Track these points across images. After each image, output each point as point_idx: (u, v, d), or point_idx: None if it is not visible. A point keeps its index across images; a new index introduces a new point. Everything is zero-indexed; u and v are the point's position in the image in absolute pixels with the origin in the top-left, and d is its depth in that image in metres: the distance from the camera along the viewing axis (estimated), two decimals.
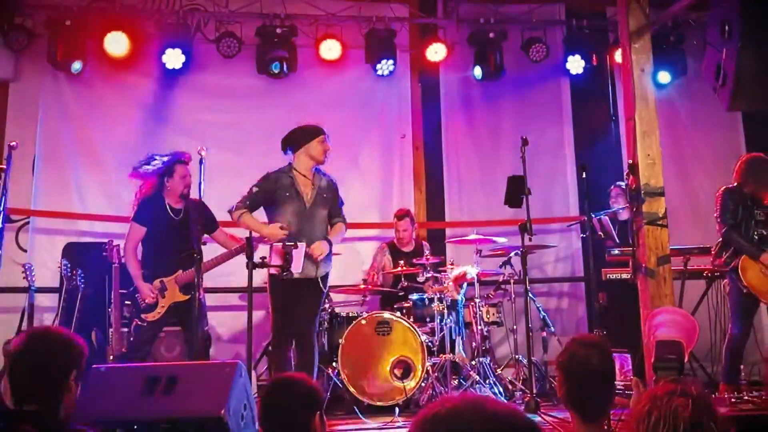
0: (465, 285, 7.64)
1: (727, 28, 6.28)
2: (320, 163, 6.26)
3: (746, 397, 6.23)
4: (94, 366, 4.74)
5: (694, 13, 9.03)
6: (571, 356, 3.08)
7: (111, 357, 6.48)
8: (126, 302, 6.81)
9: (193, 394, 4.44)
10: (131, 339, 6.45)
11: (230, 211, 6.21)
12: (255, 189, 6.18)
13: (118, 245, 6.71)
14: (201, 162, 6.21)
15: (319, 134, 6.25)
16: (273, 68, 8.86)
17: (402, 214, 8.33)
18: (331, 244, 6.21)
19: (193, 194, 6.47)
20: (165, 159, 6.59)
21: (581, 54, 9.45)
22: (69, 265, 6.91)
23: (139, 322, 6.37)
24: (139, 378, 4.57)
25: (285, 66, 8.89)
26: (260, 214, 6.33)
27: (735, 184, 6.77)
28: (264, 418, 3.04)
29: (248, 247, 5.86)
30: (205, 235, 6.55)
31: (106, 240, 6.88)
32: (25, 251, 8.36)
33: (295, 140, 6.28)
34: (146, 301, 6.35)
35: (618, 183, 8.20)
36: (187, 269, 6.43)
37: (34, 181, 8.51)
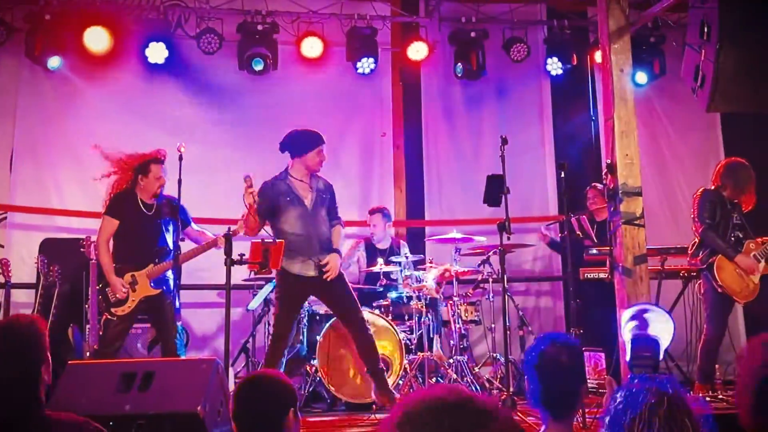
0: (443, 283, 7.67)
1: (706, 29, 6.33)
2: (314, 172, 6.32)
3: (721, 396, 6.28)
4: (71, 362, 4.72)
5: (673, 15, 9.08)
6: (541, 354, 3.09)
7: (87, 353, 6.44)
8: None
9: (169, 390, 4.43)
10: (101, 334, 6.40)
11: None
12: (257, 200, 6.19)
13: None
14: (180, 158, 6.22)
15: (318, 145, 6.31)
16: (254, 65, 8.84)
17: (373, 210, 8.38)
18: (340, 254, 6.38)
19: (173, 189, 6.44)
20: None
21: (562, 54, 9.49)
22: (46, 261, 6.86)
23: (109, 317, 6.33)
24: (115, 374, 4.56)
25: (266, 63, 8.88)
26: None
27: (714, 186, 6.81)
28: (237, 415, 3.03)
29: (227, 243, 5.86)
30: None
31: (83, 236, 6.82)
32: (2, 247, 8.29)
33: (294, 146, 6.32)
34: (117, 295, 6.31)
35: (594, 184, 8.25)
36: (159, 263, 6.41)
37: (12, 176, 8.45)
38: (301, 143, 6.30)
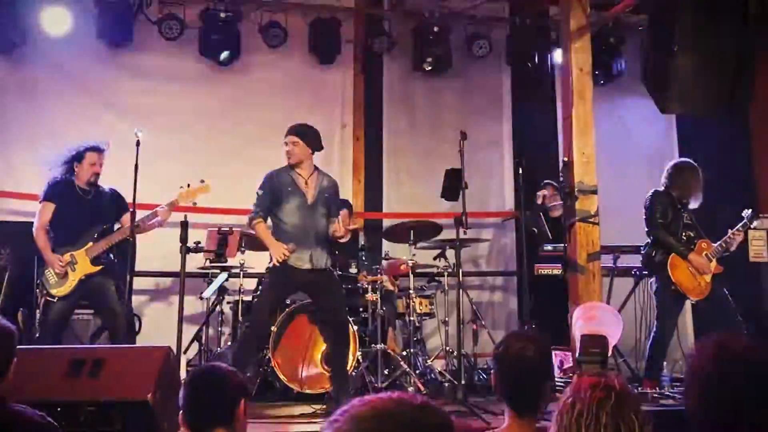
0: (399, 276, 7.69)
1: (664, 32, 6.43)
2: (291, 164, 6.28)
3: (668, 393, 6.40)
4: (20, 347, 4.67)
5: (634, 16, 9.19)
6: (507, 348, 3.10)
7: (36, 337, 6.37)
8: None
9: (119, 377, 4.41)
10: (41, 318, 6.34)
11: (248, 222, 6.31)
12: (260, 192, 6.25)
13: None
14: (137, 143, 6.19)
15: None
16: (220, 57, 8.81)
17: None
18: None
19: (127, 177, 6.38)
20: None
21: (524, 51, 9.55)
22: None
23: (49, 299, 6.28)
24: (65, 360, 4.52)
25: (229, 53, 8.86)
26: None
27: (664, 188, 6.94)
28: (188, 406, 3.03)
29: (183, 230, 5.85)
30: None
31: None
32: None
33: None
34: (55, 269, 6.26)
35: (549, 182, 8.32)
36: (97, 241, 6.39)
37: None
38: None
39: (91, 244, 6.37)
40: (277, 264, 6.04)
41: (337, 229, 6.18)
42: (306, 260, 6.12)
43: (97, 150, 6.54)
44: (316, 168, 6.40)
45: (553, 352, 4.52)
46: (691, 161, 7.00)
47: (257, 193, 6.25)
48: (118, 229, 6.52)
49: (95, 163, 6.52)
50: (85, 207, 6.48)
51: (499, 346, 3.15)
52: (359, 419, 1.48)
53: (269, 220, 6.28)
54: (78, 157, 6.52)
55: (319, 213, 6.26)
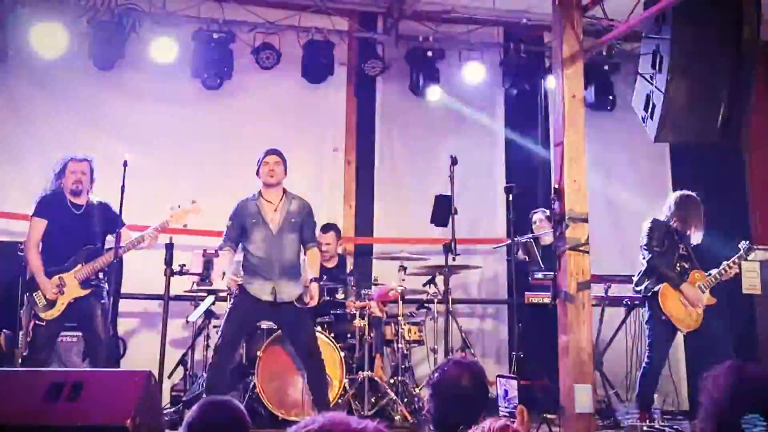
0: (388, 302, 7.61)
1: (658, 59, 6.39)
2: (270, 185, 6.31)
3: (658, 426, 6.31)
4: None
5: (628, 44, 9.19)
6: (442, 374, 3.10)
7: (20, 360, 6.27)
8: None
9: (99, 402, 4.31)
10: (29, 340, 6.25)
11: (218, 251, 6.42)
12: (229, 223, 6.32)
13: None
14: (124, 164, 6.14)
15: (263, 157, 6.37)
16: (212, 82, 8.78)
17: (326, 227, 8.11)
18: (318, 280, 6.39)
19: (115, 197, 6.32)
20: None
21: (517, 77, 9.55)
22: None
23: (38, 322, 6.20)
24: (43, 383, 4.42)
25: (221, 80, 8.86)
26: None
27: (664, 216, 6.91)
28: None
29: (167, 253, 5.79)
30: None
31: (22, 239, 6.66)
32: None
33: (257, 168, 6.40)
34: (47, 296, 6.18)
35: (541, 208, 8.27)
36: (87, 264, 6.30)
37: None
38: (258, 162, 6.39)
39: (80, 266, 6.29)
40: (237, 292, 6.15)
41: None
42: (267, 292, 6.13)
43: (78, 159, 6.48)
44: (284, 192, 6.38)
45: (498, 380, 4.48)
46: (695, 195, 6.97)
47: (227, 223, 6.29)
48: (107, 250, 6.41)
49: (75, 171, 6.44)
50: (75, 225, 6.40)
51: (435, 373, 3.14)
52: None
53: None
54: (62, 170, 6.47)
55: (286, 241, 6.26)
